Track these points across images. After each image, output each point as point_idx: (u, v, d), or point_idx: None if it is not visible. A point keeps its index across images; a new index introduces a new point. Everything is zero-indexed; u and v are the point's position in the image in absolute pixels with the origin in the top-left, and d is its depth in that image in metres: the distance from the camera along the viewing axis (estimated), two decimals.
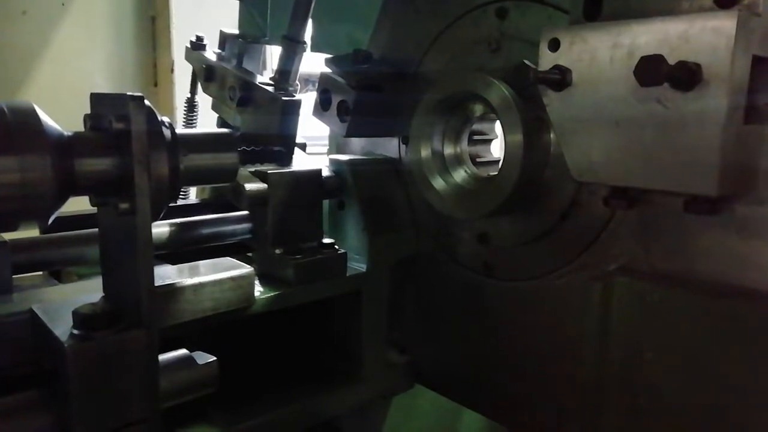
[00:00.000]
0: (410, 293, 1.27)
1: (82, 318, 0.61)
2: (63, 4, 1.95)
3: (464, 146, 1.14)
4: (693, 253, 0.83)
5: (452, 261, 1.18)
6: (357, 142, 1.36)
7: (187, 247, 1.21)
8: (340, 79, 1.20)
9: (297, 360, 1.22)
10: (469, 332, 1.19)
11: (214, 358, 0.74)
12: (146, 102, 0.63)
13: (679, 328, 0.83)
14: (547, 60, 0.85)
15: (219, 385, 0.75)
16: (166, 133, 0.64)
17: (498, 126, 1.04)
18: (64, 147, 0.59)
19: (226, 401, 1.06)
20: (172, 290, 0.79)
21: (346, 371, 1.21)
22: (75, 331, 0.60)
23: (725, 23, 0.68)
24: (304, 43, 1.28)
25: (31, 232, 0.85)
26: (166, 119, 0.66)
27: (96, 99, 0.66)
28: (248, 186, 1.06)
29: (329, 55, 1.24)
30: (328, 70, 1.22)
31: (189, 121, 1.50)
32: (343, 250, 1.14)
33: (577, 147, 0.84)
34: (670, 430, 0.86)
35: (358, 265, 1.19)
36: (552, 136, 0.97)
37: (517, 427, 1.14)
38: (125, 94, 0.60)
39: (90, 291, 0.76)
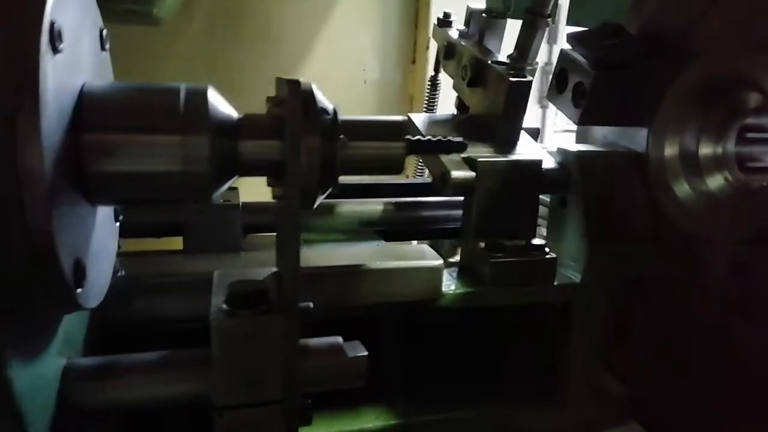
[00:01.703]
0: (639, 317, 1.07)
1: (231, 295, 0.63)
2: None
3: (730, 146, 0.88)
4: None
5: (697, 290, 0.94)
6: (600, 131, 1.17)
7: (401, 227, 1.22)
8: (579, 57, 1.04)
9: (491, 367, 1.13)
10: (707, 376, 0.95)
11: (365, 353, 0.71)
12: (306, 86, 0.61)
13: None
14: None
15: (366, 380, 0.72)
16: (326, 119, 0.62)
17: None
18: (229, 129, 0.61)
19: (410, 390, 1.04)
20: (328, 274, 0.79)
21: (545, 389, 1.08)
22: (224, 306, 0.63)
23: None
24: (549, 16, 1.14)
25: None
26: (330, 105, 0.64)
27: (279, 82, 0.67)
28: (454, 173, 1.00)
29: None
30: (569, 47, 1.07)
31: (430, 101, 1.49)
32: (553, 255, 1.00)
33: None
34: None
35: (573, 274, 1.04)
36: None
37: None
38: (284, 79, 0.60)
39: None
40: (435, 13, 2.25)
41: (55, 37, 0.48)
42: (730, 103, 0.85)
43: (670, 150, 0.89)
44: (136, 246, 1.07)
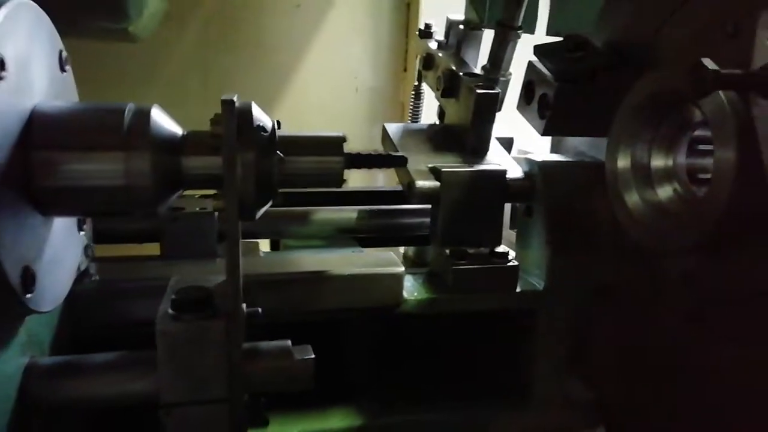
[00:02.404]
0: (606, 323, 1.08)
1: (176, 300, 0.68)
2: None
3: (680, 158, 0.89)
4: None
5: (654, 300, 0.96)
6: (572, 141, 1.19)
7: (376, 233, 1.26)
8: (544, 69, 1.06)
9: (460, 371, 1.15)
10: (666, 385, 0.96)
11: (312, 356, 0.75)
12: (244, 105, 0.65)
13: None
14: (763, 54, 0.60)
15: (313, 384, 0.75)
16: (262, 136, 0.65)
17: None
18: (172, 145, 0.65)
19: (378, 393, 1.08)
20: (278, 281, 0.83)
21: (514, 393, 1.11)
22: (169, 311, 0.67)
23: None
24: (519, 28, 1.16)
25: None
26: (269, 122, 0.68)
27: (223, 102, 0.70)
28: (419, 183, 1.03)
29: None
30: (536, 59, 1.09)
31: (415, 110, 1.52)
32: (515, 263, 1.02)
33: None
34: None
35: (537, 281, 1.06)
36: None
37: None
38: (223, 98, 0.64)
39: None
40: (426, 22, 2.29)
41: None
42: (680, 117, 0.87)
43: (622, 162, 0.90)
44: (120, 251, 1.12)
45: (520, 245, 1.13)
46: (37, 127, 0.61)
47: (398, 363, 1.13)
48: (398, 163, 0.75)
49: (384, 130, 1.21)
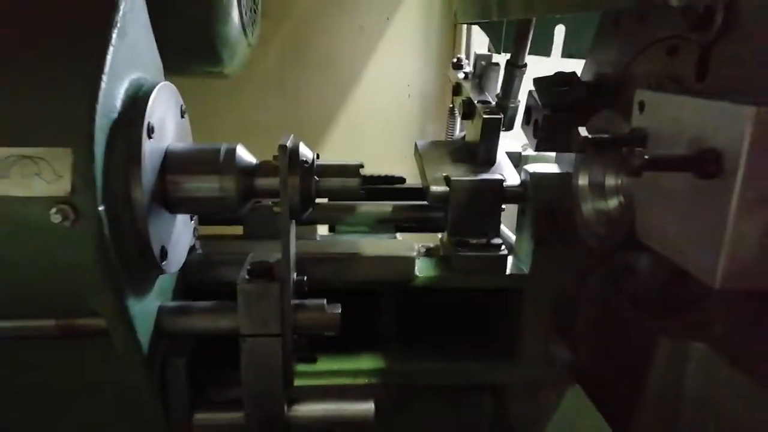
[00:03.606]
0: (583, 300, 1.36)
1: (249, 269, 1.05)
2: (387, 19, 2.49)
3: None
4: None
5: (610, 285, 1.23)
6: (568, 155, 1.46)
7: (410, 223, 1.59)
8: (537, 99, 1.34)
9: (463, 335, 1.47)
10: (622, 350, 1.24)
11: (339, 311, 1.10)
12: (293, 145, 1.01)
13: None
14: (635, 121, 0.87)
15: (339, 330, 1.11)
16: (305, 165, 1.01)
17: None
18: (249, 171, 1.02)
19: (400, 346, 1.42)
20: (323, 258, 1.20)
21: (505, 351, 1.42)
22: (245, 276, 1.05)
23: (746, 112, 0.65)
24: (524, 66, 1.44)
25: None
26: (311, 155, 1.03)
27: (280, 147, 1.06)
28: (433, 188, 1.35)
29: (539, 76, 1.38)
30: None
31: (449, 127, 1.82)
32: (504, 252, 1.33)
33: (640, 209, 0.86)
34: None
35: (525, 266, 1.36)
36: None
37: None
38: (280, 144, 0.99)
39: None
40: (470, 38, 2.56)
41: (149, 131, 0.92)
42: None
43: (582, 180, 1.18)
44: (216, 231, 1.53)
45: (517, 237, 1.43)
46: (169, 161, 0.99)
47: (416, 326, 1.47)
48: (398, 181, 1.08)
49: (415, 145, 1.54)
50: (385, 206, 1.55)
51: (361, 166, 1.05)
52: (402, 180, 1.08)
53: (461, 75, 1.64)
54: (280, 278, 1.05)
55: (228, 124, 2.43)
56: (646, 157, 0.79)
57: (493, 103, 1.48)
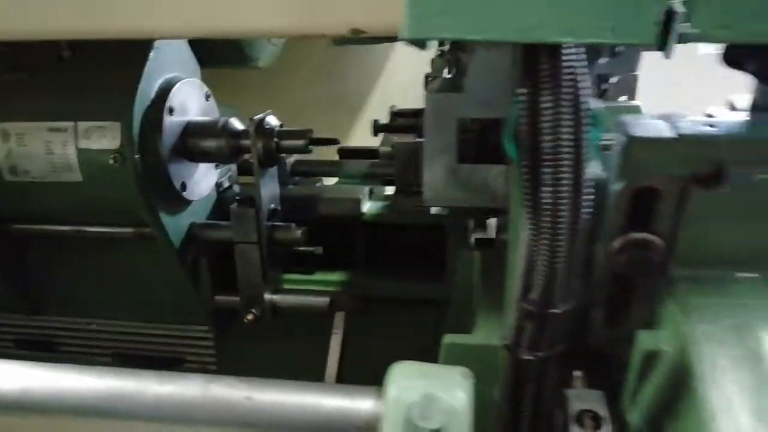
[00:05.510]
0: None
1: (237, 199, 1.64)
2: None
3: None
4: None
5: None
6: None
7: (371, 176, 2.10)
8: None
9: (418, 263, 1.97)
10: None
11: (304, 228, 1.66)
12: (262, 116, 1.57)
13: None
14: None
15: (305, 244, 1.67)
16: (268, 129, 1.57)
17: None
18: (236, 134, 1.60)
19: (363, 267, 1.96)
20: (303, 198, 1.77)
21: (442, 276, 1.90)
22: (236, 204, 1.64)
23: None
24: None
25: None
26: (274, 123, 1.59)
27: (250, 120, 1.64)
28: (381, 149, 1.87)
29: None
30: None
31: None
32: None
33: None
34: None
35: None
36: None
37: None
38: (250, 118, 1.56)
39: None
40: None
41: (170, 111, 1.52)
42: None
43: None
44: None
45: None
46: (188, 129, 1.60)
47: (382, 256, 1.99)
48: (333, 142, 1.61)
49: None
50: (361, 164, 2.08)
51: (311, 131, 1.59)
52: (336, 141, 1.62)
53: None
54: (256, 205, 1.63)
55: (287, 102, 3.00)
56: None
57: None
